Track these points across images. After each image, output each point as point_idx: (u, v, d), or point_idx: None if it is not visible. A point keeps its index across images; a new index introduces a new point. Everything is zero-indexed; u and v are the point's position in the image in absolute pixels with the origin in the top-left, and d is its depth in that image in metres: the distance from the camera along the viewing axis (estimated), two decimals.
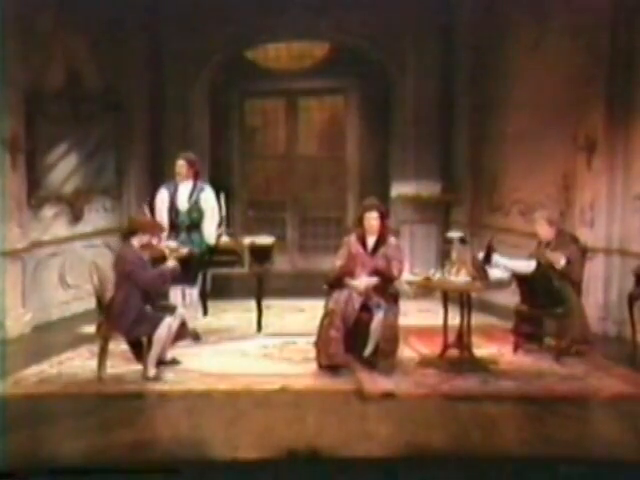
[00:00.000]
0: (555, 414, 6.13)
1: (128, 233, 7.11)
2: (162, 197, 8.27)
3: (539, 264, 7.46)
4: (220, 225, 8.36)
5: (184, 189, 8.23)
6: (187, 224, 8.15)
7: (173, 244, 7.86)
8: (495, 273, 7.22)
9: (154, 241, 7.37)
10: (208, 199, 8.23)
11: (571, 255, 7.45)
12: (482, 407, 6.30)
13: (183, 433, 5.79)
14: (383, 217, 7.38)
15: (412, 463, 5.23)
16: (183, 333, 7.40)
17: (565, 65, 8.77)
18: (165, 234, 7.95)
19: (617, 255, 8.39)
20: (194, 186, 8.22)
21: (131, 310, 6.83)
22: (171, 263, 7.15)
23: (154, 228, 7.45)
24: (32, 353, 7.74)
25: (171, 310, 7.13)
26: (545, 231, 7.66)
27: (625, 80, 8.22)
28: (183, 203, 8.19)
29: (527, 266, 7.47)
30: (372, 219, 7.30)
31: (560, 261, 7.38)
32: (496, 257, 7.33)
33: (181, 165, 8.20)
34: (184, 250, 7.83)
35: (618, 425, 6.05)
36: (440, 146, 10.85)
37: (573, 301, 7.45)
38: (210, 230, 8.21)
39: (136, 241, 7.01)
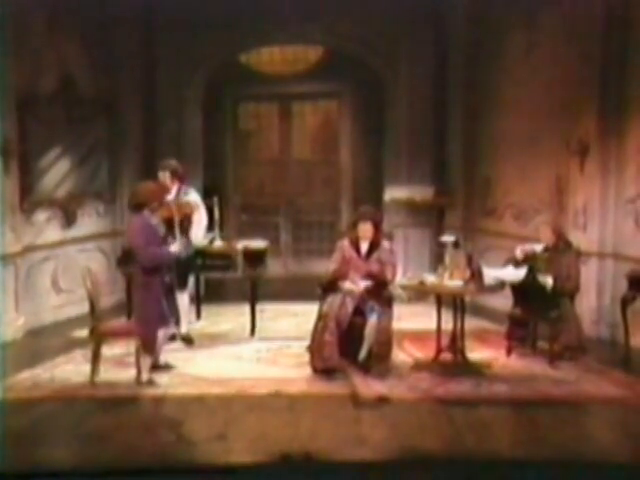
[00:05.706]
0: (548, 418, 6.14)
1: (137, 206, 6.91)
2: None
3: (531, 269, 7.47)
4: (210, 228, 8.33)
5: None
6: None
7: (185, 198, 7.90)
8: (489, 276, 7.23)
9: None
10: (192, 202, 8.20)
11: (569, 266, 7.50)
12: (476, 411, 6.30)
13: (176, 437, 5.77)
14: (377, 226, 7.39)
15: (406, 467, 5.23)
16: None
17: (558, 70, 8.78)
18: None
19: (610, 259, 8.39)
20: (178, 190, 8.17)
21: (152, 306, 6.81)
22: (174, 248, 6.98)
23: (162, 194, 7.25)
24: (25, 358, 7.72)
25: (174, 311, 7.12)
26: (547, 237, 7.71)
27: (618, 84, 8.24)
28: None
29: (516, 275, 7.45)
30: (366, 230, 7.31)
31: (548, 282, 7.42)
32: (484, 270, 7.29)
33: (164, 176, 8.11)
34: (190, 200, 7.94)
35: (611, 428, 6.06)
36: (433, 150, 10.84)
37: (566, 305, 7.47)
38: (197, 233, 8.13)
39: (146, 210, 6.89)
